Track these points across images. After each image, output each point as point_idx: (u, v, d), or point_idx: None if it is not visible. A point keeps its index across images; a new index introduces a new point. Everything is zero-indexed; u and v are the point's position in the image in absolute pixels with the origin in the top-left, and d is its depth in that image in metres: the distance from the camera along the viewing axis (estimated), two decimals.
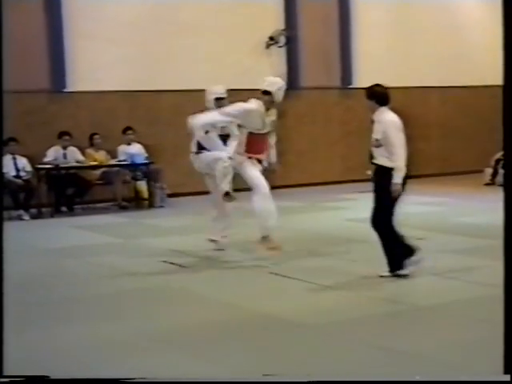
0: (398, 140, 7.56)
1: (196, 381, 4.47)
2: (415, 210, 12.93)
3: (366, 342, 5.72)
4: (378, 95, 7.93)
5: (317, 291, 7.40)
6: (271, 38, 16.79)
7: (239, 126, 8.86)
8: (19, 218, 13.22)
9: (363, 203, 14.05)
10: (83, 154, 14.39)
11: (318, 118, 17.57)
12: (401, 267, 7.57)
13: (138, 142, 14.87)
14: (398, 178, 7.46)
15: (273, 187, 16.24)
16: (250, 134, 8.75)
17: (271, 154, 9.27)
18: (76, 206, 14.35)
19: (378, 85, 8.12)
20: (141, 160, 14.46)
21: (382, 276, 7.58)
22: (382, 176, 7.44)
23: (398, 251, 7.60)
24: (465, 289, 7.30)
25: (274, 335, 6.01)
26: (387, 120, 7.65)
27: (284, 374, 5.01)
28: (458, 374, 4.88)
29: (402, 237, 7.64)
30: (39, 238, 11.26)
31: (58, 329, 6.34)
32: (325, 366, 5.21)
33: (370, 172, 16.33)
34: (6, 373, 3.96)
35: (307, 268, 8.39)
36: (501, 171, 15.22)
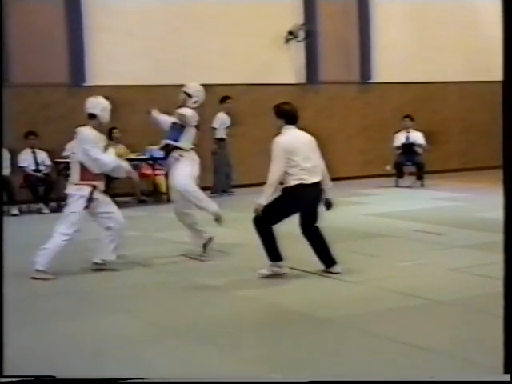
0: (276, 161, 7.60)
1: (196, 381, 4.47)
2: (434, 205, 12.92)
3: (381, 335, 5.71)
4: (286, 114, 7.86)
5: (334, 284, 7.40)
6: (290, 33, 16.78)
7: None
8: (39, 211, 13.29)
9: (381, 198, 14.11)
10: None
11: (337, 113, 17.52)
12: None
13: None
14: (261, 197, 7.48)
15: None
16: None
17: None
18: None
19: (286, 103, 8.01)
20: (159, 154, 14.43)
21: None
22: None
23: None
24: (483, 284, 7.26)
25: (288, 328, 6.02)
26: (276, 140, 7.72)
27: (294, 370, 5.01)
28: (457, 373, 4.86)
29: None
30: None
31: (68, 321, 6.37)
32: (337, 359, 5.20)
33: (389, 167, 16.42)
34: (5, 373, 3.96)
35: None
36: None
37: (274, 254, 7.65)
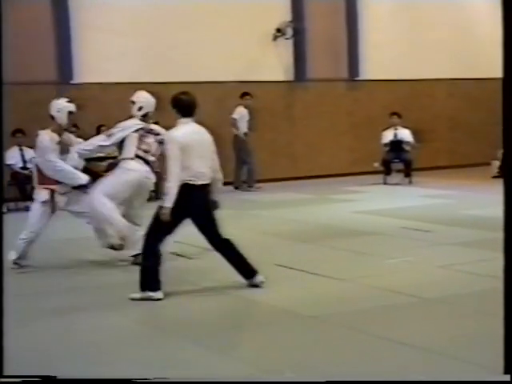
0: (172, 158, 6.76)
1: (197, 381, 4.47)
2: (422, 203, 12.95)
3: (370, 333, 5.72)
4: (181, 105, 6.98)
5: (323, 282, 7.41)
6: (278, 30, 16.78)
7: None
8: (26, 209, 13.23)
9: (369, 196, 14.14)
10: None
11: (325, 110, 17.54)
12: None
13: None
14: (166, 200, 6.71)
15: (280, 179, 16.34)
16: None
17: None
18: None
19: (184, 93, 7.07)
20: None
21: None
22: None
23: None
24: (471, 281, 7.29)
25: (279, 326, 6.02)
26: (169, 134, 7.07)
27: (284, 368, 5.02)
28: (457, 373, 4.88)
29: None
30: (47, 229, 11.25)
31: (67, 317, 6.36)
32: (330, 358, 5.21)
33: (377, 164, 16.45)
34: (5, 373, 3.96)
35: (313, 259, 8.39)
36: None
37: (154, 281, 6.83)
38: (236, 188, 15.56)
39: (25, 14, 14.47)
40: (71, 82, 14.92)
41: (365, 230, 10.29)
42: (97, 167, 14.42)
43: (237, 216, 11.29)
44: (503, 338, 3.75)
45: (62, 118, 8.48)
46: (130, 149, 8.58)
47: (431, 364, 5.00)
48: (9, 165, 13.57)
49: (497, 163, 16.31)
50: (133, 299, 6.78)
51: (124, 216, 8.52)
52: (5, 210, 12.92)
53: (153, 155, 8.61)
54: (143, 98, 8.70)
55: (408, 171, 15.97)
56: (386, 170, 16.07)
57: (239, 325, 6.10)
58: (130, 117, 8.73)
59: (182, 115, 6.94)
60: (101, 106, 15.05)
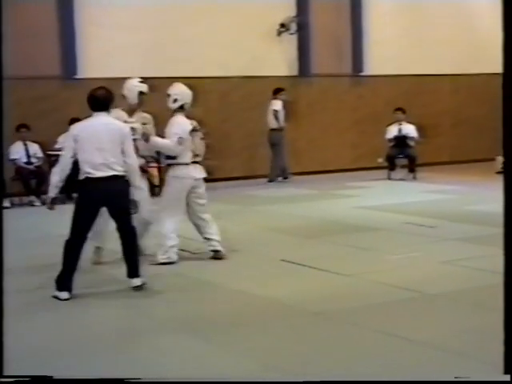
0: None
1: (197, 381, 4.48)
2: (426, 198, 12.94)
3: (373, 329, 5.72)
4: (89, 99, 7.08)
5: (327, 278, 7.41)
6: (282, 25, 16.76)
7: None
8: (30, 204, 13.28)
9: (373, 191, 14.13)
10: None
11: (329, 106, 17.52)
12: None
13: None
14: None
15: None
16: None
17: None
18: None
19: (100, 88, 7.24)
20: None
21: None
22: None
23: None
24: (475, 277, 7.30)
25: (283, 322, 6.03)
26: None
27: (288, 365, 5.02)
28: (461, 369, 4.88)
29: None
30: (50, 224, 11.27)
31: (61, 313, 6.37)
32: (334, 354, 5.22)
33: (381, 160, 16.45)
34: (6, 373, 3.96)
35: (317, 255, 8.39)
36: None
37: (65, 280, 6.78)
38: (270, 181, 15.72)
39: (29, 10, 14.48)
40: (75, 77, 14.92)
41: (369, 225, 10.29)
42: None
43: (240, 211, 11.31)
44: (503, 339, 3.76)
45: (132, 98, 8.41)
46: (187, 154, 8.29)
47: (434, 360, 5.00)
48: (13, 160, 13.58)
49: (501, 159, 16.24)
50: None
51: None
52: (9, 204, 12.95)
53: (200, 155, 8.47)
54: (178, 91, 8.48)
55: (412, 167, 15.95)
56: (390, 165, 16.06)
57: (243, 321, 6.09)
58: (174, 112, 8.38)
59: (91, 109, 7.02)
60: None
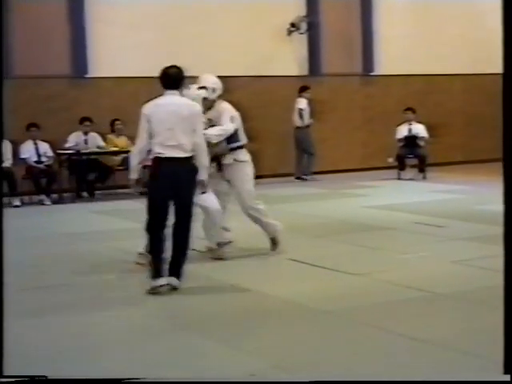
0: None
1: (197, 381, 4.47)
2: (436, 198, 12.92)
3: (382, 328, 5.70)
4: (161, 76, 7.13)
5: (336, 277, 7.40)
6: (293, 25, 16.75)
7: None
8: (41, 202, 13.31)
9: (382, 191, 14.11)
10: (104, 139, 14.44)
11: (339, 105, 17.50)
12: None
13: None
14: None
15: (293, 174, 16.31)
16: None
17: None
18: (97, 192, 14.42)
19: (172, 66, 7.21)
20: None
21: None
22: None
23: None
24: (485, 276, 7.26)
25: (292, 321, 6.02)
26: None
27: (296, 363, 5.01)
28: (468, 369, 4.87)
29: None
30: (60, 223, 11.32)
31: (66, 312, 6.37)
32: (343, 352, 5.21)
33: (391, 159, 16.43)
34: (5, 373, 3.96)
35: (326, 254, 8.38)
36: None
37: (157, 267, 6.74)
38: (297, 178, 16.01)
39: (39, 9, 14.52)
40: (85, 76, 14.96)
41: (378, 224, 10.27)
42: (111, 161, 14.52)
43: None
44: (503, 339, 3.74)
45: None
46: (243, 136, 8.40)
47: (443, 360, 4.98)
48: (23, 159, 13.61)
49: None
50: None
51: None
52: (19, 203, 12.98)
53: None
54: (214, 80, 8.51)
55: (422, 166, 15.92)
56: (400, 165, 16.03)
57: (251, 319, 6.08)
58: (213, 101, 8.38)
59: (163, 87, 7.06)
60: (115, 100, 15.08)
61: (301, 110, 15.88)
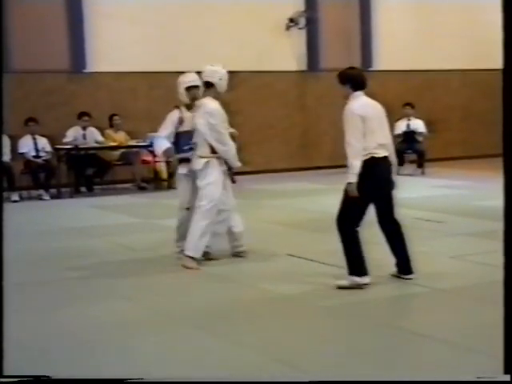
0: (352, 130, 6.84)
1: (197, 381, 4.47)
2: (435, 193, 12.92)
3: (383, 323, 5.71)
4: (352, 78, 7.16)
5: (335, 272, 7.39)
6: (291, 20, 16.74)
7: None
8: (39, 197, 13.30)
9: None
10: (103, 134, 14.42)
11: (338, 100, 17.34)
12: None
13: None
14: (349, 176, 6.73)
15: (292, 169, 16.33)
16: None
17: None
18: (95, 187, 14.42)
19: (352, 68, 7.32)
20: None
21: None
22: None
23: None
24: (484, 272, 7.26)
25: (291, 316, 6.02)
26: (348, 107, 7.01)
27: (295, 358, 5.01)
28: (468, 364, 4.87)
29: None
30: (58, 218, 11.32)
31: (66, 307, 6.37)
32: (343, 347, 5.21)
33: None
34: (5, 373, 3.95)
35: (325, 249, 8.37)
36: None
37: (358, 265, 6.70)
38: None
39: (38, 3, 14.49)
40: (84, 70, 14.94)
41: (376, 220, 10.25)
42: (110, 156, 14.52)
43: (248, 205, 11.27)
44: (503, 338, 3.74)
45: (222, 87, 8.14)
46: None
47: (441, 354, 4.98)
48: (22, 153, 13.61)
49: None
50: (340, 287, 6.64)
51: None
52: (17, 198, 12.97)
53: None
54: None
55: (421, 162, 15.93)
56: (399, 160, 16.00)
57: (251, 314, 6.09)
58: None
59: (353, 89, 7.08)
60: (113, 95, 15.07)
61: None
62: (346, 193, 6.74)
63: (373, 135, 6.71)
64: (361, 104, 6.87)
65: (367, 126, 6.72)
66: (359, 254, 6.72)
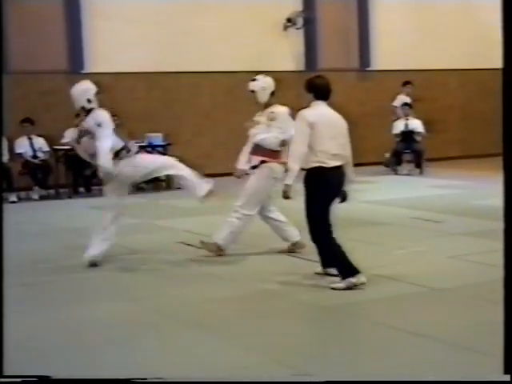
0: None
1: (197, 381, 4.48)
2: (433, 193, 12.92)
3: (380, 323, 5.72)
4: (316, 87, 7.21)
5: (334, 273, 7.39)
6: (289, 20, 16.73)
7: None
8: (40, 196, 13.32)
9: (379, 186, 14.11)
10: None
11: (336, 100, 17.37)
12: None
13: None
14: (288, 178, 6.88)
15: None
16: None
17: None
18: (94, 187, 14.39)
19: (318, 76, 7.41)
20: (159, 141, 14.45)
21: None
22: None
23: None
24: (482, 271, 7.27)
25: (293, 316, 6.03)
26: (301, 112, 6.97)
27: (295, 359, 5.02)
28: (467, 364, 4.87)
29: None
30: (57, 218, 11.32)
31: (66, 308, 6.37)
32: (343, 347, 5.21)
33: (388, 154, 16.41)
34: (5, 373, 3.96)
35: None
36: None
37: (347, 267, 6.71)
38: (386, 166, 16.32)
39: (36, 4, 14.49)
40: (82, 71, 14.92)
41: (375, 220, 10.28)
42: None
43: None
44: (503, 338, 3.74)
45: (264, 97, 8.35)
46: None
47: (440, 354, 4.99)
48: (19, 153, 13.60)
49: None
50: (334, 289, 6.63)
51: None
52: (16, 199, 12.97)
53: None
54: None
55: (419, 162, 15.93)
56: (397, 160, 16.04)
57: (253, 314, 6.09)
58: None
59: (315, 97, 7.10)
60: (112, 96, 15.04)
61: (394, 107, 16.52)
62: (309, 201, 6.98)
63: (322, 144, 6.82)
64: (316, 112, 6.93)
65: (315, 133, 6.79)
66: (344, 256, 6.74)
